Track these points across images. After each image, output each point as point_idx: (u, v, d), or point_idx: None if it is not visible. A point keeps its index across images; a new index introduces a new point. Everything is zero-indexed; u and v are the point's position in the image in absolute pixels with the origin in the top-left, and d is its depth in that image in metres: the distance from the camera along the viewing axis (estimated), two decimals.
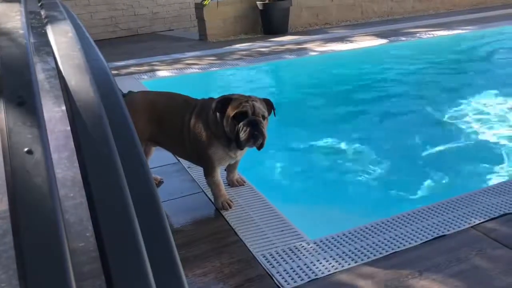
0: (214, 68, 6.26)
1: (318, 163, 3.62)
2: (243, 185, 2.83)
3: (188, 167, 3.04)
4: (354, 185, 3.23)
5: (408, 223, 2.33)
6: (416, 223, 2.32)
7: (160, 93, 2.73)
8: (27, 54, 0.83)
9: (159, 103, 2.62)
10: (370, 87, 5.63)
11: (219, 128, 2.38)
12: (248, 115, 2.30)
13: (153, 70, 6.25)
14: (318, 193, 3.17)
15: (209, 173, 2.54)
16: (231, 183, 2.83)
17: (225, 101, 2.36)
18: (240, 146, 2.34)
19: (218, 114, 2.38)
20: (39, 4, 1.31)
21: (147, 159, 2.75)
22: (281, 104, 5.25)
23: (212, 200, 2.64)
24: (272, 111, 2.51)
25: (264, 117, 2.36)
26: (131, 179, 0.64)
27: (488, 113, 4.41)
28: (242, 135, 2.30)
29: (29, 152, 0.61)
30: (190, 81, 5.82)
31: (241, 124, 2.30)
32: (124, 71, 6.32)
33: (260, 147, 2.38)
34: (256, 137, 2.31)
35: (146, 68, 6.45)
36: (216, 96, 2.65)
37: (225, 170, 2.82)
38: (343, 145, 3.84)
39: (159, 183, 2.89)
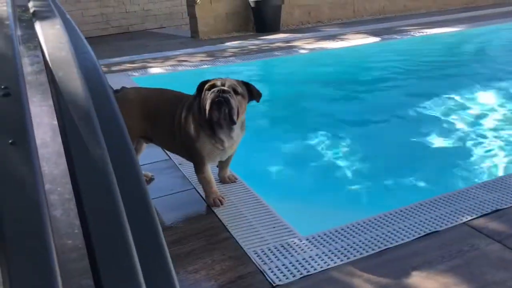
0: (206, 66, 6.23)
1: (309, 160, 3.61)
2: (235, 182, 2.82)
3: (180, 164, 3.02)
4: (346, 181, 3.23)
5: (400, 219, 2.33)
6: (409, 219, 2.32)
7: (152, 89, 2.72)
8: (13, 45, 0.80)
9: (152, 99, 2.61)
10: (362, 84, 5.64)
11: (202, 114, 2.38)
12: (213, 86, 2.35)
13: (144, 67, 6.21)
14: (310, 189, 3.16)
15: (199, 169, 2.52)
16: (222, 180, 2.82)
17: (203, 82, 2.42)
18: (208, 117, 2.31)
19: (199, 98, 2.40)
20: None
21: (138, 155, 2.73)
22: (272, 101, 5.26)
23: (204, 197, 2.62)
24: (255, 98, 2.51)
25: (236, 91, 2.36)
26: (121, 175, 0.62)
27: (480, 110, 4.43)
28: (208, 103, 2.30)
29: (13, 143, 0.59)
30: (181, 78, 5.79)
31: (207, 92, 2.34)
32: (115, 68, 6.28)
33: (229, 119, 2.34)
34: (219, 104, 2.29)
35: (137, 65, 6.41)
36: None
37: (217, 166, 2.80)
38: (334, 142, 3.84)
39: (150, 179, 2.87)
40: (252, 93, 2.50)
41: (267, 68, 6.61)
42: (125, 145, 0.68)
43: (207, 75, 6.15)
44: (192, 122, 2.43)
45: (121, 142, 0.68)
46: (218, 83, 2.36)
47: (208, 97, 2.33)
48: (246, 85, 2.48)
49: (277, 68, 6.61)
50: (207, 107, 2.32)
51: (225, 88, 2.33)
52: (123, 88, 2.70)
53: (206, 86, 2.38)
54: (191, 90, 2.72)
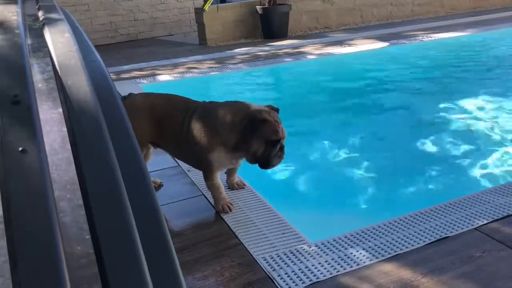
0: (214, 72, 6.25)
1: (318, 166, 3.60)
2: (243, 188, 2.82)
3: (188, 170, 3.02)
4: (355, 187, 3.21)
5: (410, 225, 2.31)
6: (419, 224, 2.31)
7: (160, 95, 2.71)
8: (23, 53, 0.81)
9: (160, 105, 2.61)
10: (370, 89, 5.62)
11: (232, 137, 2.36)
12: (280, 141, 2.37)
13: (153, 75, 6.25)
14: (319, 195, 3.15)
15: (208, 176, 2.52)
16: (231, 186, 2.82)
17: (258, 122, 2.32)
18: (266, 167, 2.42)
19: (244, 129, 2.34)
20: (37, 7, 1.30)
21: (146, 162, 2.73)
22: (280, 108, 5.23)
23: (212, 203, 2.62)
24: None
25: None
26: (129, 182, 0.62)
27: (492, 114, 4.40)
28: (275, 161, 2.38)
29: (24, 151, 0.59)
30: (189, 85, 5.82)
31: (276, 151, 2.35)
32: (123, 75, 6.32)
33: None
34: (281, 161, 2.42)
35: (145, 72, 6.45)
36: (216, 99, 2.64)
37: (225, 173, 2.81)
38: (343, 147, 3.83)
39: (159, 186, 2.88)
40: None
41: (275, 74, 6.61)
42: (134, 152, 0.67)
43: (216, 82, 6.17)
44: (209, 135, 2.39)
45: (130, 149, 0.68)
46: (281, 136, 2.36)
47: (277, 156, 2.37)
48: (274, 110, 2.50)
49: (286, 74, 6.62)
50: (274, 164, 2.40)
51: (283, 143, 2.40)
52: (130, 94, 2.70)
53: (272, 137, 2.32)
54: (200, 97, 2.72)
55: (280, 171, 3.38)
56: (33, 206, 0.53)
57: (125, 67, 6.91)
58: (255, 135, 2.31)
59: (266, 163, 2.37)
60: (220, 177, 2.60)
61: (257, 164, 2.42)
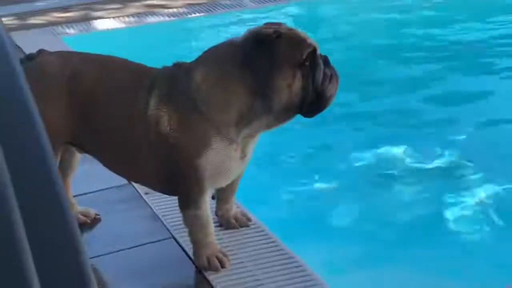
0: (196, 14, 4.47)
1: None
2: (247, 225, 1.87)
3: (146, 193, 2.00)
4: None
5: None
6: None
7: (90, 57, 1.92)
8: None
9: (89, 73, 1.84)
10: None
11: (226, 105, 1.64)
12: (317, 53, 1.64)
13: (87, 19, 4.46)
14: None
15: (192, 200, 1.69)
16: (225, 222, 1.87)
17: (269, 41, 1.58)
18: (322, 105, 1.67)
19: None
20: None
21: (67, 178, 1.88)
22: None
23: (191, 253, 1.74)
24: None
25: None
26: (31, 215, 0.44)
27: None
28: (331, 88, 1.64)
29: None
30: (151, 37, 4.32)
31: (320, 72, 1.60)
32: (34, 20, 4.40)
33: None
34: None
35: (73, 14, 4.70)
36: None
37: (212, 198, 1.83)
38: None
39: (94, 220, 1.94)
40: None
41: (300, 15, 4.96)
42: (43, 162, 0.48)
43: (199, 30, 4.63)
44: (189, 117, 1.68)
45: (34, 158, 0.48)
46: (316, 45, 1.66)
47: (330, 79, 1.65)
48: None
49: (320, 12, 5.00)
50: (333, 94, 1.66)
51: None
52: (41, 52, 1.90)
53: (304, 54, 1.59)
54: (167, 59, 1.77)
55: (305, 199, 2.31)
56: None
57: (39, 4, 5.16)
58: (275, 63, 1.59)
59: (320, 97, 1.64)
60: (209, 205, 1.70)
61: (299, 115, 1.66)
